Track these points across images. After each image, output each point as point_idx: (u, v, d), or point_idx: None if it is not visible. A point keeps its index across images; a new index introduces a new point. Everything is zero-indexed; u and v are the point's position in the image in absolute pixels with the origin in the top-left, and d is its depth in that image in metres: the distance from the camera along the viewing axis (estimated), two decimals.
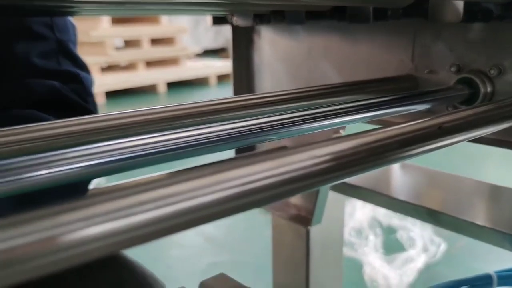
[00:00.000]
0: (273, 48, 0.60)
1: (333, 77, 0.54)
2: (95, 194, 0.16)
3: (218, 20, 0.59)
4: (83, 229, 0.15)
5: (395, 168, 0.62)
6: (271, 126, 0.34)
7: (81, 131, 0.31)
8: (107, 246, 0.16)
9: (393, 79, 0.49)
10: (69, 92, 0.45)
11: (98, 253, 0.16)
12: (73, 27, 0.51)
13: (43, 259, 0.14)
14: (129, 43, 3.89)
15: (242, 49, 0.62)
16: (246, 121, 0.33)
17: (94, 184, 0.51)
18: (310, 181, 0.20)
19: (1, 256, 0.13)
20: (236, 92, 0.62)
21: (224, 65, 4.32)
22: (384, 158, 0.22)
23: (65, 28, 0.49)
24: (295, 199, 0.60)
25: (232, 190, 0.19)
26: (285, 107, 0.42)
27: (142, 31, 3.77)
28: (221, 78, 4.18)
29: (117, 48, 3.77)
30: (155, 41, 3.93)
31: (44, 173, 0.25)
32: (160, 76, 3.74)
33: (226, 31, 5.36)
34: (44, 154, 0.26)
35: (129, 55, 3.72)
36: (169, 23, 4.10)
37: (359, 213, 1.47)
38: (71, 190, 0.30)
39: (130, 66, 3.79)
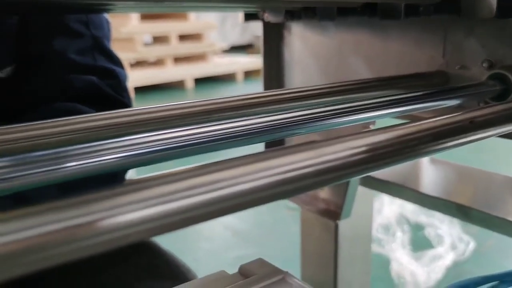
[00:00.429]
0: (303, 44, 0.61)
1: (364, 73, 0.55)
2: (132, 183, 0.17)
3: (249, 17, 0.60)
4: (121, 214, 0.16)
5: (424, 164, 0.62)
6: (300, 120, 0.35)
7: (120, 124, 0.32)
8: (143, 231, 0.17)
9: (423, 75, 0.49)
10: (106, 87, 0.46)
11: (135, 238, 0.17)
12: (108, 23, 0.53)
13: (83, 242, 0.15)
14: (158, 39, 3.94)
15: (273, 45, 0.63)
16: (275, 115, 0.34)
17: (129, 175, 0.53)
18: (346, 171, 0.20)
19: (46, 238, 0.14)
20: (266, 88, 0.63)
21: (251, 61, 4.33)
22: (418, 150, 0.23)
23: (100, 25, 0.51)
24: (324, 194, 0.61)
25: (267, 179, 0.20)
26: (314, 102, 0.42)
27: (171, 27, 3.81)
28: (248, 74, 4.19)
29: (146, 44, 3.82)
30: (183, 37, 3.96)
31: (86, 162, 0.27)
32: (188, 72, 3.78)
33: (252, 27, 5.36)
34: (87, 145, 0.27)
35: (158, 51, 3.77)
36: (197, 20, 4.13)
37: (386, 209, 1.46)
38: (109, 180, 0.32)
39: (158, 62, 3.83)
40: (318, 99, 0.43)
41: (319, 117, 0.36)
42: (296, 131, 0.35)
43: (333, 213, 0.60)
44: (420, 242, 1.31)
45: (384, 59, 0.53)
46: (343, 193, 0.57)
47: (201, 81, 3.85)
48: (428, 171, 0.60)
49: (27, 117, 0.42)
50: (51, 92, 0.45)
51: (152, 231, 0.17)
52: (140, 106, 0.33)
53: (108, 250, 0.17)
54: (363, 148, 0.21)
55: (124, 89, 0.50)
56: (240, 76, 4.14)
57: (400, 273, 1.17)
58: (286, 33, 0.62)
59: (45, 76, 0.45)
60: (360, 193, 0.60)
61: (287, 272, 0.21)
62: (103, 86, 0.46)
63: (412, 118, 0.52)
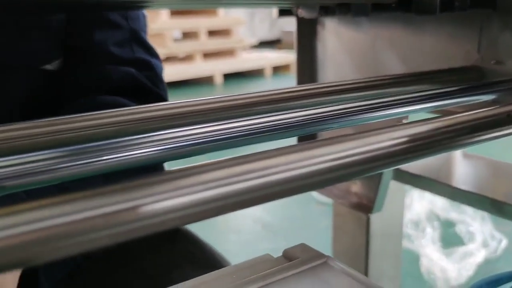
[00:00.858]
0: (337, 39, 0.61)
1: (397, 69, 0.55)
2: (170, 173, 0.18)
3: (283, 12, 0.61)
4: (160, 201, 0.17)
5: (457, 158, 0.62)
6: (333, 115, 0.36)
7: (160, 117, 0.34)
8: (179, 218, 0.18)
9: (458, 70, 0.49)
10: (143, 79, 0.48)
11: (172, 224, 0.18)
12: (144, 16, 0.54)
13: (123, 227, 0.16)
14: (187, 35, 3.97)
15: (306, 41, 0.64)
16: (308, 110, 0.35)
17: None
18: (386, 161, 0.21)
19: (91, 222, 0.16)
20: (299, 83, 0.64)
21: (279, 57, 4.33)
22: (455, 142, 0.23)
23: (137, 17, 0.52)
24: (357, 187, 0.62)
25: (302, 170, 0.21)
26: (347, 97, 0.43)
27: (200, 23, 3.84)
28: (276, 70, 4.20)
29: (176, 40, 3.86)
30: (212, 33, 3.99)
31: (126, 155, 0.28)
32: (217, 68, 3.81)
33: (281, 22, 5.34)
34: (127, 138, 0.29)
35: (187, 46, 3.81)
36: (226, 15, 4.15)
37: (416, 206, 1.45)
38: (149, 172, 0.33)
39: (187, 58, 3.87)
40: (351, 94, 0.44)
41: (351, 112, 0.37)
42: (329, 126, 0.36)
43: (365, 206, 0.61)
44: (450, 239, 1.30)
45: (419, 54, 0.53)
46: (375, 186, 0.58)
47: (229, 77, 3.87)
48: (462, 166, 0.60)
49: (69, 109, 0.44)
50: (93, 83, 0.46)
51: (188, 218, 0.18)
52: (181, 100, 0.35)
53: (146, 235, 0.18)
54: (404, 139, 0.22)
55: (161, 81, 0.51)
56: (268, 72, 4.15)
57: (430, 269, 1.16)
58: (319, 29, 0.63)
59: (87, 68, 0.47)
60: (393, 187, 0.60)
61: (329, 256, 0.22)
62: (141, 77, 0.48)
63: (446, 113, 0.52)
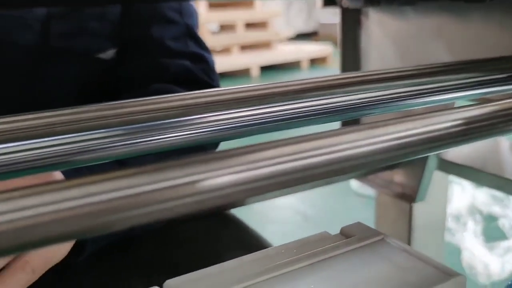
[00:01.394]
0: (381, 29, 0.61)
1: (444, 58, 0.55)
2: (222, 152, 0.19)
3: (327, 2, 0.62)
4: (212, 178, 0.18)
5: (504, 149, 0.61)
6: (375, 101, 0.36)
7: (210, 102, 0.35)
8: (231, 194, 0.19)
9: (506, 58, 0.49)
10: (198, 71, 0.50)
11: (224, 200, 0.19)
12: (196, 12, 0.56)
13: (178, 201, 0.17)
14: (224, 28, 4.00)
15: (350, 31, 0.64)
16: (352, 95, 0.36)
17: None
18: (443, 142, 0.22)
19: (146, 196, 0.17)
20: (343, 72, 0.64)
21: (316, 49, 4.31)
22: (503, 127, 0.24)
23: (191, 13, 0.54)
24: (400, 177, 0.62)
25: (346, 152, 0.21)
26: (392, 85, 0.43)
27: (237, 15, 3.86)
28: (313, 62, 4.18)
29: (213, 33, 3.89)
30: (249, 25, 4.00)
31: (183, 134, 0.30)
32: (253, 60, 3.82)
33: (317, 15, 5.29)
34: (182, 118, 0.31)
35: (224, 39, 3.83)
36: (263, 7, 4.15)
37: (458, 199, 1.43)
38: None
39: (224, 50, 3.90)
40: (396, 82, 0.44)
41: (394, 98, 0.37)
42: (371, 111, 0.37)
43: (408, 196, 0.61)
44: (493, 233, 1.27)
45: (466, 43, 0.53)
46: (419, 176, 0.58)
47: (266, 69, 3.88)
48: (509, 156, 0.60)
49: (131, 96, 0.46)
50: (149, 75, 0.49)
51: (238, 195, 0.19)
52: (230, 86, 0.36)
53: (199, 212, 0.19)
54: (458, 122, 0.22)
55: (214, 73, 0.53)
56: (305, 64, 4.13)
57: (472, 263, 1.15)
58: (363, 19, 0.63)
59: (144, 60, 0.49)
60: (436, 177, 0.60)
61: (386, 234, 0.22)
62: (195, 70, 0.50)
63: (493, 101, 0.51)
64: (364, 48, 0.64)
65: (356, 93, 0.36)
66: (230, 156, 0.19)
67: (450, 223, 1.32)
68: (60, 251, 0.31)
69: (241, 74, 3.78)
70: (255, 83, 0.37)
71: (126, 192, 0.17)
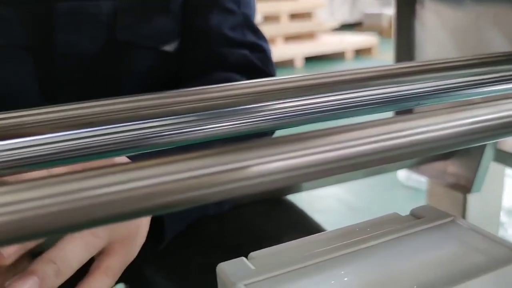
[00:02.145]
0: (437, 18, 0.61)
1: (503, 47, 0.54)
2: (277, 137, 0.20)
3: None
4: (268, 163, 0.19)
5: None
6: (434, 91, 0.37)
7: (272, 90, 0.36)
8: (286, 179, 0.19)
9: None
10: (256, 60, 0.51)
11: (279, 184, 0.19)
12: (254, 2, 0.58)
13: (234, 184, 0.18)
14: (268, 19, 4.00)
15: (405, 20, 0.64)
16: (405, 86, 0.36)
17: None
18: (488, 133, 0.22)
19: (206, 179, 0.18)
20: (397, 62, 0.64)
21: (361, 40, 4.25)
22: None
23: (248, 3, 0.55)
24: (454, 168, 0.61)
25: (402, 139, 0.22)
26: (450, 75, 0.43)
27: (281, 6, 3.85)
28: (358, 53, 4.13)
29: (258, 24, 3.91)
30: (293, 16, 3.99)
31: (247, 122, 0.32)
32: (298, 51, 3.81)
33: (362, 5, 5.21)
34: (248, 106, 0.32)
35: (269, 30, 3.84)
36: None
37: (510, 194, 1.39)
38: None
39: (269, 41, 3.90)
40: (452, 72, 0.44)
41: (449, 89, 0.37)
42: (425, 101, 0.37)
43: (463, 187, 0.60)
44: None
45: None
46: (474, 167, 0.58)
47: (310, 60, 3.86)
48: None
49: (191, 85, 0.48)
50: (210, 64, 0.50)
51: (290, 180, 0.20)
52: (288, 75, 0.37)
53: (255, 194, 0.20)
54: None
55: (271, 62, 0.54)
56: (349, 55, 4.09)
57: None
58: (419, 8, 0.63)
59: (205, 49, 0.51)
60: (493, 168, 0.59)
61: (456, 216, 0.23)
62: (254, 59, 0.51)
63: None
64: (419, 38, 0.63)
65: (413, 83, 0.37)
66: (290, 141, 0.20)
67: (503, 217, 1.29)
68: (134, 251, 0.33)
69: (285, 65, 3.78)
70: (305, 74, 0.38)
71: (193, 173, 0.18)
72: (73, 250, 0.27)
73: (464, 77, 0.38)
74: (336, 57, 4.07)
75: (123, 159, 0.33)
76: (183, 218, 0.45)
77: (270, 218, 0.50)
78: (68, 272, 0.28)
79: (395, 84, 0.41)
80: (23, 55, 0.45)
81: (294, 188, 0.64)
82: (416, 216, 0.24)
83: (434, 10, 0.61)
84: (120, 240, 0.31)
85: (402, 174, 1.58)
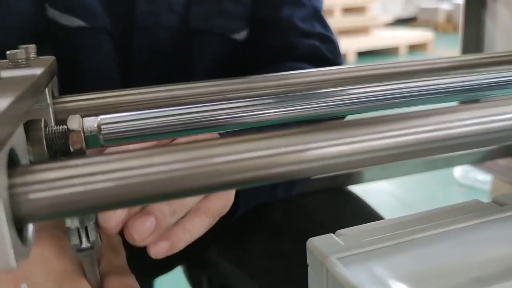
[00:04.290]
0: (509, 11, 0.60)
1: None
2: (340, 122, 0.20)
3: None
4: (327, 147, 0.19)
5: None
6: (496, 82, 0.36)
7: (343, 78, 0.37)
8: (344, 164, 0.19)
9: None
10: (325, 50, 0.52)
11: (336, 168, 0.19)
12: None
13: (297, 165, 0.18)
14: None
15: (474, 13, 0.63)
16: (470, 76, 0.36)
17: None
18: None
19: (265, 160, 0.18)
20: (464, 53, 0.63)
21: (415, 35, 4.16)
22: None
23: None
24: None
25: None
26: None
27: (335, 0, 3.82)
28: (412, 48, 4.04)
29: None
30: (346, 10, 3.95)
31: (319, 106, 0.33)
32: (351, 45, 3.77)
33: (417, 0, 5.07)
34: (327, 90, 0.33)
35: None
36: None
37: None
38: None
39: None
40: None
41: None
42: (491, 92, 0.37)
43: None
44: None
45: None
46: None
47: (363, 55, 3.81)
48: None
49: (265, 72, 0.50)
50: (280, 53, 0.52)
51: (348, 165, 0.19)
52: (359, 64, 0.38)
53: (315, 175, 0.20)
54: None
55: (339, 53, 0.55)
56: (403, 50, 4.01)
57: None
58: (489, 1, 0.62)
59: (276, 39, 0.52)
60: None
61: None
62: (323, 49, 0.52)
63: None
64: (489, 31, 0.62)
65: (473, 74, 0.36)
66: (345, 126, 0.20)
67: None
68: (229, 202, 0.35)
69: None
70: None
71: (262, 153, 0.18)
72: None
73: None
74: (389, 52, 4.00)
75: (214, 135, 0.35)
76: (256, 195, 0.46)
77: (333, 206, 0.51)
78: (182, 212, 0.31)
79: (468, 74, 0.41)
80: (105, 38, 0.48)
81: (356, 178, 0.64)
82: (499, 203, 0.24)
83: (506, 4, 0.60)
84: None
85: (458, 172, 1.54)
